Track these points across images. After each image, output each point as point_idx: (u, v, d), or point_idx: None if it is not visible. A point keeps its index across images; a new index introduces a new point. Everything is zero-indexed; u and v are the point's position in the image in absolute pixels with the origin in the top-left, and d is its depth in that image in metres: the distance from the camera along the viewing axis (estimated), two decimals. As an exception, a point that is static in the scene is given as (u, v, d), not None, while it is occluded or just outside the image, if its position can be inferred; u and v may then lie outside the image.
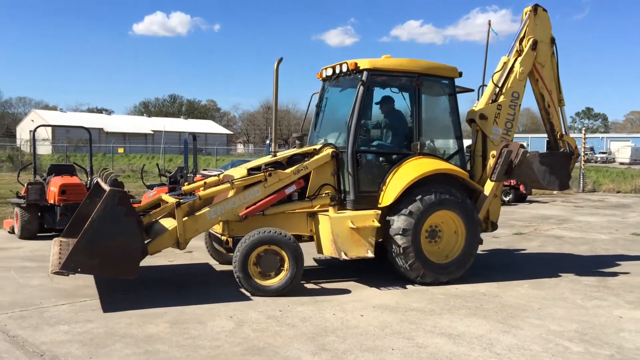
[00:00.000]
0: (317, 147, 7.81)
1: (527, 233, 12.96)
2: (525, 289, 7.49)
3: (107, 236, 5.93)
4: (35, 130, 11.68)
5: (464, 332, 5.61)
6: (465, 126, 8.84)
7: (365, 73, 7.58)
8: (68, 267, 5.84)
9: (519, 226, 14.14)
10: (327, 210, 7.40)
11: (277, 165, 7.55)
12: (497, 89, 8.60)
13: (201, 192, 7.22)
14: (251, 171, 7.36)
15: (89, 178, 11.38)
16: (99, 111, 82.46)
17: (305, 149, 7.89)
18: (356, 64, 7.67)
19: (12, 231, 10.95)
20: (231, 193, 7.19)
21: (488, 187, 8.30)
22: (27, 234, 10.45)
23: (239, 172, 7.42)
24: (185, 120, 78.46)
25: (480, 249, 10.76)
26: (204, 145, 55.77)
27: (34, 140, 11.39)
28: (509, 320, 6.05)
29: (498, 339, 5.43)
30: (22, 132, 65.83)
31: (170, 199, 7.12)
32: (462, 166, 8.23)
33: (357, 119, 7.46)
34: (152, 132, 68.46)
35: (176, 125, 69.50)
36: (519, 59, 8.62)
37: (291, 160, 7.61)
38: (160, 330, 5.46)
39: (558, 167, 8.27)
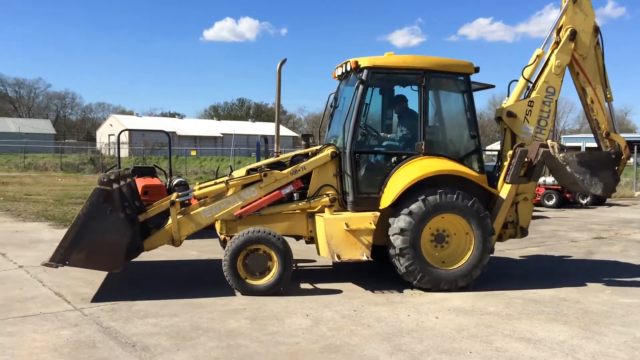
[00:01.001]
0: (319, 147, 7.69)
1: (607, 237, 12.42)
2: (608, 295, 7.21)
3: (92, 232, 6.23)
4: (120, 134, 12.35)
5: (544, 337, 5.48)
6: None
7: (365, 71, 7.37)
8: (56, 259, 6.20)
9: (598, 230, 13.56)
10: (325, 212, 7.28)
11: (279, 165, 7.54)
12: (529, 85, 8.06)
13: (196, 192, 7.39)
14: (250, 171, 7.42)
15: (168, 179, 11.90)
16: (172, 115, 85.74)
17: (308, 149, 7.76)
18: (357, 62, 7.46)
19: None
20: (230, 192, 7.32)
21: (505, 190, 7.69)
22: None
23: (239, 173, 7.51)
24: (252, 123, 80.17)
25: (558, 253, 10.46)
26: (272, 148, 56.67)
27: (118, 144, 12.03)
28: (592, 326, 5.85)
29: (581, 345, 5.27)
30: (102, 135, 69.42)
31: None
32: (479, 167, 7.72)
33: (356, 119, 7.28)
34: (222, 135, 70.42)
35: (244, 128, 71.26)
36: (555, 51, 8.03)
37: (293, 161, 7.58)
38: (240, 326, 5.67)
39: (601, 169, 7.67)
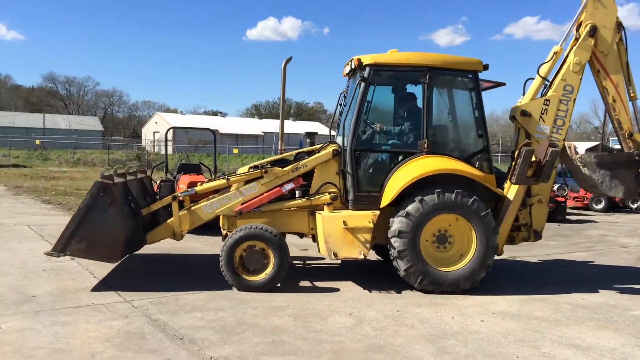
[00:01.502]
0: (322, 145, 7.64)
1: (660, 244, 11.98)
2: (662, 303, 6.96)
3: (91, 223, 6.44)
4: (167, 132, 12.64)
5: (593, 344, 5.34)
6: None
7: (367, 69, 7.28)
8: (57, 249, 6.43)
9: (650, 236, 13.10)
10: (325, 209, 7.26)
11: (282, 163, 7.56)
12: (546, 83, 7.75)
13: (198, 187, 7.51)
14: (252, 168, 7.48)
15: (213, 176, 12.10)
16: (214, 114, 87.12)
17: (312, 147, 7.73)
18: (359, 59, 7.37)
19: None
20: (232, 188, 7.40)
21: (512, 191, 7.46)
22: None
23: (243, 169, 7.61)
24: (293, 122, 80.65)
25: (608, 259, 10.15)
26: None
27: (166, 141, 12.32)
28: (645, 335, 5.67)
29: (633, 353, 5.12)
30: (147, 133, 71.10)
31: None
32: (487, 167, 7.49)
33: (357, 117, 7.21)
34: (263, 134, 71.08)
35: (285, 127, 71.56)
36: (574, 47, 7.70)
37: (296, 159, 7.60)
38: (284, 322, 5.73)
39: (623, 171, 7.35)
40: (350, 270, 8.49)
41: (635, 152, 7.61)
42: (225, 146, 47.87)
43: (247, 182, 7.40)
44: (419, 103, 7.49)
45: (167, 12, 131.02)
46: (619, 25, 7.79)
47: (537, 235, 7.78)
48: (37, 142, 48.04)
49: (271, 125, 64.69)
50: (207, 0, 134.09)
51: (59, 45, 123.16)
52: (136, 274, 7.62)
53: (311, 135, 8.15)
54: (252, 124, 78.45)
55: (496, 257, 9.93)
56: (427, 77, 7.25)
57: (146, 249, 7.95)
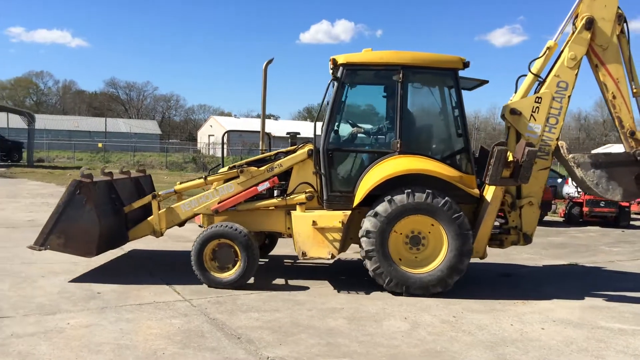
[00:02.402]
0: (299, 145, 7.63)
1: None
2: None
3: (69, 219, 6.83)
4: (224, 135, 12.87)
5: (663, 356, 5.11)
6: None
7: (340, 69, 7.21)
8: (39, 243, 6.90)
9: None
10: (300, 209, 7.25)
11: (261, 162, 7.61)
12: (538, 79, 7.38)
13: (177, 186, 7.69)
14: (231, 168, 7.56)
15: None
16: (267, 117, 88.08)
17: (291, 147, 7.74)
18: (334, 59, 7.29)
19: (202, 226, 12.18)
20: (212, 188, 7.53)
21: (489, 193, 7.13)
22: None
23: (222, 169, 7.70)
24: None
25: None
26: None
27: (222, 144, 12.54)
28: None
29: None
30: (202, 136, 72.75)
31: None
32: (467, 167, 7.23)
33: (330, 116, 7.21)
34: (314, 137, 71.36)
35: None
36: (569, 42, 7.32)
37: (276, 159, 7.63)
38: (339, 325, 5.75)
39: (621, 172, 6.96)
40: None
41: (636, 152, 7.18)
42: (279, 149, 48.32)
43: (225, 181, 7.57)
44: (394, 102, 7.33)
45: (222, 18, 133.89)
46: (620, 17, 7.32)
47: (527, 239, 7.49)
48: (100, 145, 50.00)
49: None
50: (262, 6, 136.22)
51: (120, 52, 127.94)
52: (194, 273, 7.80)
53: (293, 135, 8.20)
54: (304, 127, 78.99)
55: (554, 264, 9.70)
56: (401, 75, 7.13)
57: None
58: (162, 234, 7.68)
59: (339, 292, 7.06)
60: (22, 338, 4.99)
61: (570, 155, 7.18)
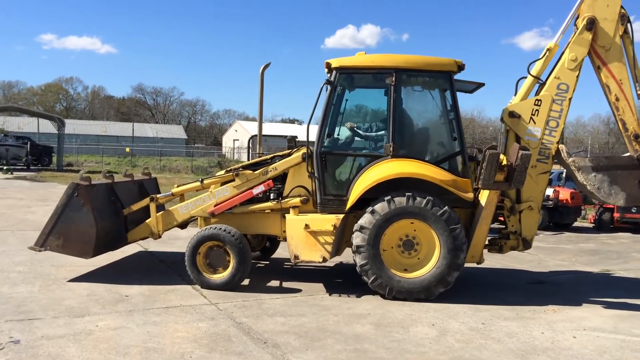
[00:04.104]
0: (295, 149, 7.59)
1: None
2: None
3: (67, 221, 7.03)
4: (250, 139, 13.08)
5: (702, 368, 4.93)
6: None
7: (333, 72, 7.21)
8: (39, 244, 7.12)
9: None
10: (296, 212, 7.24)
11: (259, 166, 7.65)
12: (538, 82, 7.22)
13: (174, 189, 7.79)
14: (228, 172, 7.64)
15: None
16: (291, 122, 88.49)
17: (287, 151, 7.69)
18: (328, 63, 7.29)
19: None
20: (209, 191, 7.58)
21: (484, 197, 6.94)
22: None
23: (219, 173, 7.70)
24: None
25: None
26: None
27: (248, 149, 12.77)
28: None
29: None
30: (227, 140, 73.37)
31: None
32: (463, 170, 7.09)
33: (323, 120, 7.20)
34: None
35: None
36: (570, 43, 7.15)
37: (272, 162, 7.63)
38: (365, 331, 5.69)
39: (623, 176, 6.75)
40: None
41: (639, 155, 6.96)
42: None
43: (222, 184, 7.61)
44: (387, 106, 7.26)
45: (247, 24, 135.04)
46: (623, 17, 7.12)
47: (527, 244, 7.38)
48: (127, 149, 50.72)
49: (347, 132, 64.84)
50: (287, 11, 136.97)
51: (148, 58, 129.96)
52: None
53: (291, 140, 8.15)
54: (328, 131, 78.95)
55: (583, 270, 9.48)
56: (394, 79, 7.07)
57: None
58: (159, 236, 7.86)
59: (365, 297, 7.00)
60: (52, 340, 5.05)
61: (571, 159, 7.06)
